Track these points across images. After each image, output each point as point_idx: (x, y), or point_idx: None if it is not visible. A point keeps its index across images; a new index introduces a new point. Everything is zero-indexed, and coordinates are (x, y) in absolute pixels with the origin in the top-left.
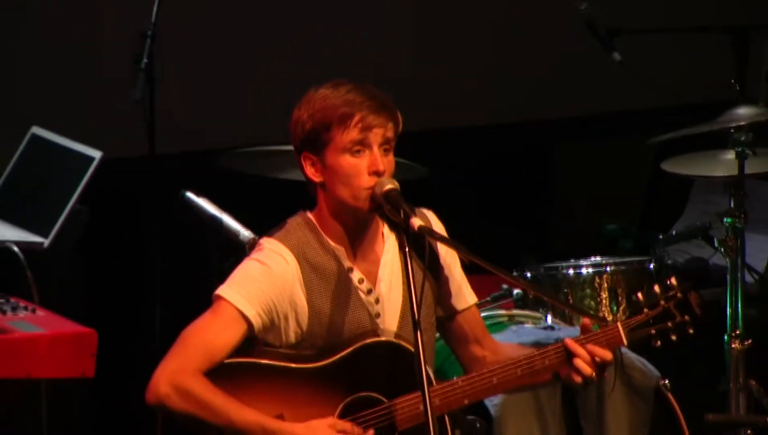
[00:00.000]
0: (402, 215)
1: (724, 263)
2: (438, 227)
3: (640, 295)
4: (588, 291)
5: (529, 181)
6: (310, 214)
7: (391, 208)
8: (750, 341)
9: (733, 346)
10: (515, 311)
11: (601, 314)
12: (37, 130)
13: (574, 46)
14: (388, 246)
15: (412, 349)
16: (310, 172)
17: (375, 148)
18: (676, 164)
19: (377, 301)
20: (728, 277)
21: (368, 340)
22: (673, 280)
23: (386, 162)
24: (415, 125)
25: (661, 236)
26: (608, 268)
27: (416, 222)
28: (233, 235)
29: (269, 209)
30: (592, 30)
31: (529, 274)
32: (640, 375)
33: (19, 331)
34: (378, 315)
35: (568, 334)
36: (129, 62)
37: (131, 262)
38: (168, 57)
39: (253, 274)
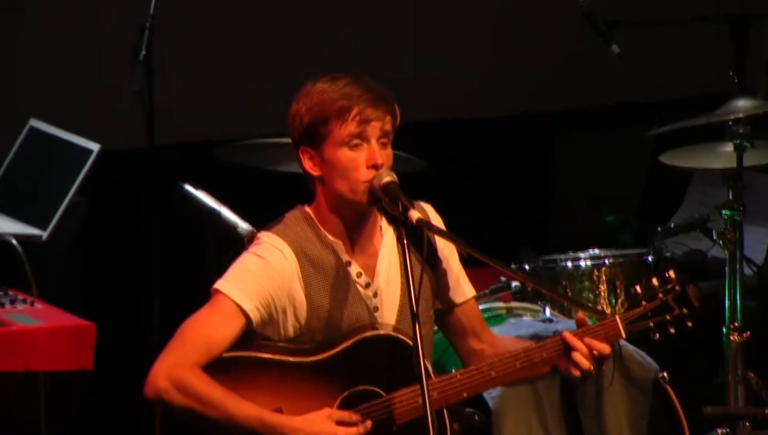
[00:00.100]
0: (400, 208)
1: (723, 256)
2: (436, 220)
3: (638, 287)
4: (586, 283)
5: (528, 174)
6: (308, 208)
7: (389, 202)
8: (748, 334)
9: (731, 338)
10: (514, 304)
11: (599, 307)
12: (35, 122)
13: (572, 39)
14: (386, 239)
15: (411, 343)
16: (308, 165)
17: (373, 142)
18: (675, 157)
19: (375, 294)
20: (727, 269)
21: (367, 334)
22: (672, 273)
23: (384, 155)
24: (414, 118)
25: (659, 229)
26: (607, 261)
27: (414, 215)
28: (232, 227)
29: (268, 202)
30: (591, 22)
31: (527, 267)
32: (638, 368)
33: (17, 324)
34: (376, 308)
35: (567, 326)
36: (128, 54)
37: (130, 254)
38: (167, 49)
39: (252, 268)
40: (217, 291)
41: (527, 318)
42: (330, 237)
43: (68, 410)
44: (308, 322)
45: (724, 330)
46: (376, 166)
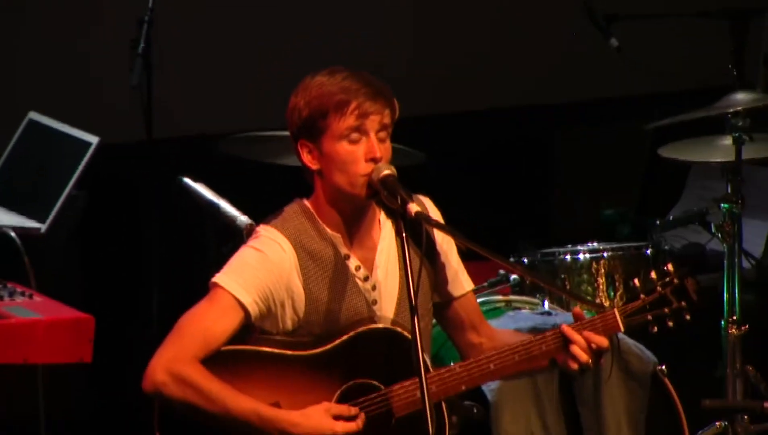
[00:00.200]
0: (399, 201)
1: (721, 249)
2: (435, 213)
3: (636, 281)
4: (585, 277)
5: (527, 167)
6: (306, 202)
7: (388, 195)
8: (747, 327)
9: (729, 331)
10: (512, 297)
11: (598, 300)
12: (34, 115)
13: (571, 33)
14: (384, 232)
15: (409, 336)
16: (307, 159)
17: (372, 135)
18: (674, 150)
19: (374, 287)
20: (725, 262)
21: (365, 327)
22: (670, 266)
23: (383, 148)
24: (413, 111)
25: (658, 222)
26: (605, 254)
27: (413, 208)
28: (230, 220)
29: (266, 195)
30: (591, 16)
31: (526, 260)
32: (637, 361)
33: (16, 317)
34: (375, 302)
35: (565, 319)
36: (126, 48)
37: (128, 247)
38: (165, 43)
39: (250, 261)
40: (216, 285)
41: (526, 311)
42: (328, 230)
43: (67, 403)
44: (307, 316)
45: (723, 323)
46: (374, 160)
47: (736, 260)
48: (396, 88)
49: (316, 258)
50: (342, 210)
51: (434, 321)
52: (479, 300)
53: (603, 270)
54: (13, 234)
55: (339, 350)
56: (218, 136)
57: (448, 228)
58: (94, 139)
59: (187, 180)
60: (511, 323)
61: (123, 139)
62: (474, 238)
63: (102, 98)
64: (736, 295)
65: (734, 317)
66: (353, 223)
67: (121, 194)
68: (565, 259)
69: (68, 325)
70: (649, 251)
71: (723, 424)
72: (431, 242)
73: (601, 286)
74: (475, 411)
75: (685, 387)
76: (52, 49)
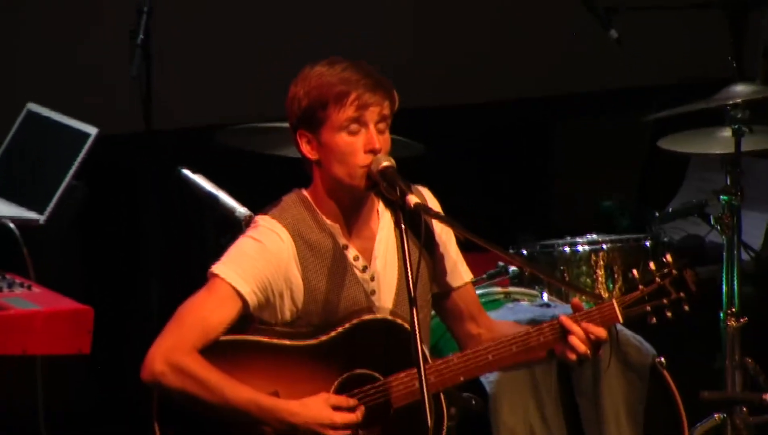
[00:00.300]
0: (398, 193)
1: (721, 241)
2: (433, 204)
3: (635, 272)
4: (584, 268)
5: (526, 159)
6: (305, 192)
7: (387, 186)
8: (746, 319)
9: (728, 323)
10: (511, 289)
11: (597, 292)
12: (32, 106)
13: (572, 24)
14: (383, 223)
15: (408, 327)
16: (306, 149)
17: (371, 127)
18: (673, 142)
19: (372, 278)
20: (724, 254)
21: (364, 318)
22: (669, 258)
23: (382, 140)
24: (412, 102)
25: (657, 214)
26: (604, 246)
27: (412, 199)
28: (229, 212)
29: (265, 186)
30: (591, 8)
31: (525, 252)
32: (635, 352)
33: (15, 308)
34: (373, 292)
35: (564, 311)
36: (125, 38)
37: (127, 238)
38: (165, 33)
39: (248, 251)
40: (214, 274)
41: (525, 303)
42: (327, 220)
43: (66, 394)
44: (305, 306)
45: (722, 315)
46: (374, 151)
47: (735, 252)
48: (395, 80)
49: (314, 248)
50: (340, 200)
51: (433, 312)
52: (478, 292)
53: (602, 262)
54: (12, 225)
55: (337, 341)
56: (217, 127)
57: (447, 218)
58: (93, 130)
59: (186, 171)
60: (510, 315)
61: (122, 129)
62: (473, 229)
63: (101, 89)
64: (735, 287)
65: (733, 309)
66: (352, 213)
67: (120, 185)
68: (564, 251)
69: (67, 316)
70: (648, 243)
71: (722, 416)
72: (430, 233)
73: (600, 278)
74: (474, 403)
75: (683, 379)
76: (51, 40)
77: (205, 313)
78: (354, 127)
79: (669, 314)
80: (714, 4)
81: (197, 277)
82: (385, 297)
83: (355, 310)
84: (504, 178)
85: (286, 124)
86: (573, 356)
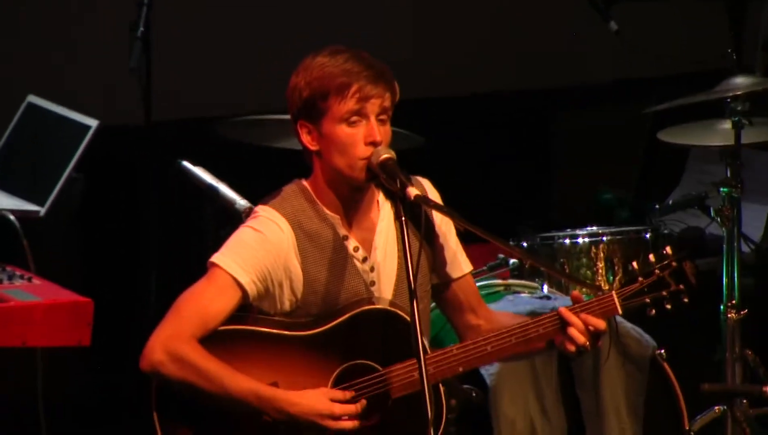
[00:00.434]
0: (398, 184)
1: (721, 233)
2: (434, 196)
3: (635, 264)
4: (584, 260)
5: (526, 150)
6: (305, 182)
7: (387, 178)
8: (746, 311)
9: (729, 315)
10: (511, 281)
11: (597, 284)
12: (33, 98)
13: (571, 15)
14: (383, 214)
15: (407, 317)
16: (306, 140)
17: (372, 118)
18: (673, 134)
19: (372, 269)
20: (724, 246)
21: (363, 308)
22: (668, 249)
23: (383, 132)
24: (413, 94)
25: (657, 206)
26: (604, 238)
27: (413, 191)
28: (229, 203)
29: (265, 178)
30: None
31: (525, 244)
32: (635, 344)
33: (15, 300)
34: (373, 283)
35: (564, 303)
36: (125, 30)
37: (127, 231)
38: (164, 25)
39: (248, 241)
40: (214, 264)
41: (525, 295)
42: (327, 211)
43: (65, 386)
44: (305, 296)
45: (722, 307)
46: (374, 143)
47: (735, 244)
48: (395, 71)
49: (314, 239)
50: (340, 191)
51: (433, 304)
52: (479, 284)
53: (602, 254)
54: (12, 217)
55: (337, 331)
56: (217, 119)
57: (448, 210)
58: (93, 122)
59: (186, 163)
60: (510, 307)
61: (122, 122)
62: (473, 221)
63: (101, 81)
64: (735, 279)
65: (733, 301)
66: (352, 204)
67: (120, 177)
68: (564, 243)
69: (67, 308)
70: (648, 235)
71: (722, 408)
72: (430, 224)
73: (600, 270)
74: (474, 395)
75: (684, 371)
76: (51, 32)
77: (205, 303)
78: (355, 118)
79: (668, 306)
80: None
81: (197, 269)
82: (385, 288)
83: (354, 301)
84: (504, 170)
85: (286, 117)
86: (572, 347)
